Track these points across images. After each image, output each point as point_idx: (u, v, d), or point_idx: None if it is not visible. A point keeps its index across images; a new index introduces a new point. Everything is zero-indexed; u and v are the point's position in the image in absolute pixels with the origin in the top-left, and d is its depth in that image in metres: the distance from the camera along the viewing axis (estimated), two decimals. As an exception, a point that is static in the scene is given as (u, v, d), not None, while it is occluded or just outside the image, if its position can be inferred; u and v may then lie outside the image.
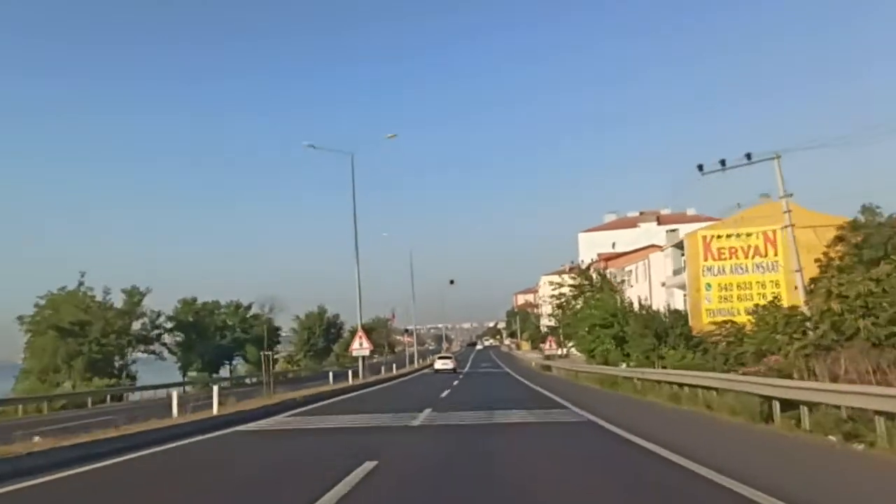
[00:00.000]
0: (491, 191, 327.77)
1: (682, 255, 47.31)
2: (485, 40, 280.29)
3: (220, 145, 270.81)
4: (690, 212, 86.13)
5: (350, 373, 33.93)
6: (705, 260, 43.35)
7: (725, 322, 30.59)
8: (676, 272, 47.05)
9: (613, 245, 78.01)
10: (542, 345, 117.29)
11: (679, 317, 38.61)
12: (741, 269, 43.21)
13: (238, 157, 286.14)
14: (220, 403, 17.46)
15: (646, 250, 66.65)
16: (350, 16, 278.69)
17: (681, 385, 17.81)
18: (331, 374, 33.69)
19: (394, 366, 47.31)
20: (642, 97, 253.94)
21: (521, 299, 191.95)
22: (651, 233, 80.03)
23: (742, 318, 42.91)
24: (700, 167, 25.73)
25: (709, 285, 43.17)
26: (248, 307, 60.02)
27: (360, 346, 35.18)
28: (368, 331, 37.52)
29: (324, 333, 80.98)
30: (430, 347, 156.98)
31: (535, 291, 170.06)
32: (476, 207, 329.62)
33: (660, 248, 65.03)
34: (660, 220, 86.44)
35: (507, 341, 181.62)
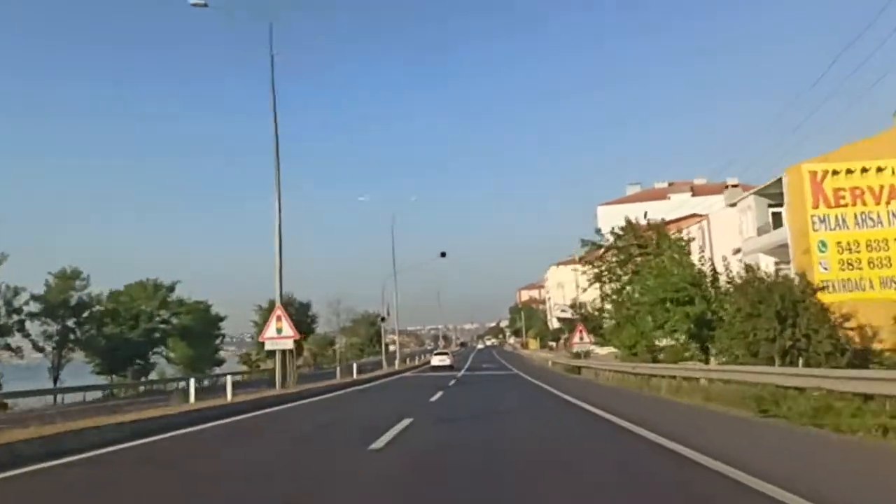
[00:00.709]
0: (492, 188, 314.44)
1: (770, 206, 33.12)
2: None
3: (222, 143, 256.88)
4: (731, 182, 72.06)
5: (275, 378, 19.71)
6: (816, 207, 29.03)
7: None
8: (762, 230, 32.81)
9: (645, 215, 63.37)
10: (552, 343, 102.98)
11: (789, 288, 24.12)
12: (871, 219, 28.81)
13: (239, 156, 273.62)
14: None
15: (689, 219, 52.52)
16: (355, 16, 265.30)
17: None
18: (191, 386, 18.98)
19: (354, 365, 33.11)
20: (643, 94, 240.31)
21: (525, 295, 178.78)
22: (687, 206, 65.94)
23: (877, 294, 28.71)
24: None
25: (823, 244, 28.91)
26: (172, 288, 45.23)
27: (279, 335, 21.01)
28: (293, 319, 23.38)
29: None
30: (429, 347, 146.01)
31: (541, 287, 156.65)
32: (476, 205, 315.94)
33: (701, 217, 50.90)
34: (694, 191, 72.31)
35: (511, 340, 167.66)
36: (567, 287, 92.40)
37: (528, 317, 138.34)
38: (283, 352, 21.58)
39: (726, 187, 48.37)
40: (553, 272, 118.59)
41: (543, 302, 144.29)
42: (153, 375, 47.54)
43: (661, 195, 73.19)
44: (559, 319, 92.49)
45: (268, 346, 21.29)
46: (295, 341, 79.16)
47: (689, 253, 27.27)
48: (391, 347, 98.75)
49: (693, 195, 70.59)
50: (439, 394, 20.41)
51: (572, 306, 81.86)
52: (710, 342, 25.68)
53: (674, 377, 18.62)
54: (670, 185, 76.84)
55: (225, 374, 25.28)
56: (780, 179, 30.62)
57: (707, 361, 26.19)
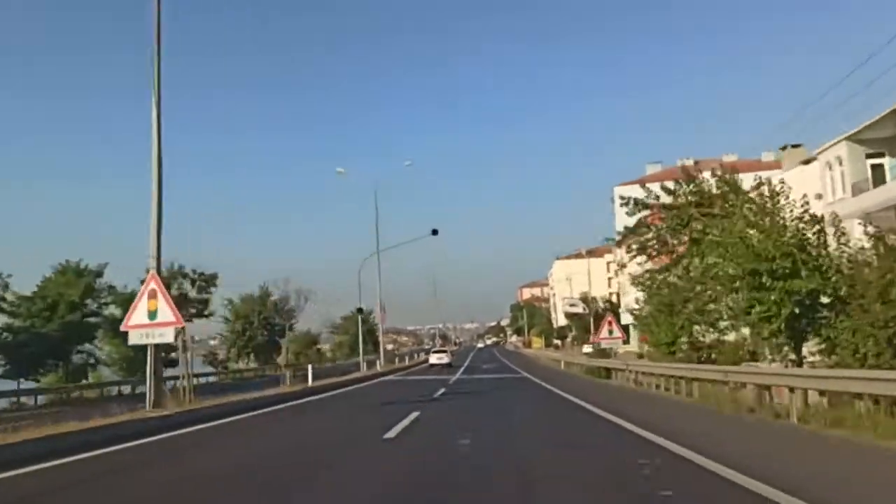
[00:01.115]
0: (492, 187, 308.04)
1: (870, 156, 24.97)
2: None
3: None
4: (767, 157, 64.05)
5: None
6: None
7: None
8: (858, 189, 24.59)
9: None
10: (557, 341, 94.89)
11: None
12: None
13: (240, 156, 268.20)
14: None
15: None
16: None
17: None
18: None
19: (310, 369, 24.77)
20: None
21: (527, 293, 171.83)
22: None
23: None
24: None
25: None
26: (100, 273, 36.80)
27: (152, 321, 12.80)
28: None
29: (265, 324, 58.93)
30: (427, 346, 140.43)
31: (544, 284, 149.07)
32: (476, 204, 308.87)
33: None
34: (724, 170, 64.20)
35: (512, 338, 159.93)
36: (575, 280, 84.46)
37: (531, 314, 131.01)
38: (158, 347, 13.33)
39: (785, 148, 40.19)
40: (559, 266, 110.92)
41: (547, 300, 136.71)
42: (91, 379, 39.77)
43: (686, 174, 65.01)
44: (567, 315, 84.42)
45: (133, 340, 13.06)
46: (275, 340, 66.91)
47: (775, 213, 19.00)
48: (389, 346, 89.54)
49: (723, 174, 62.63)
50: (412, 416, 12.29)
51: (583, 299, 73.95)
52: (811, 334, 17.45)
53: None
54: (696, 163, 68.49)
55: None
56: (889, 114, 22.47)
57: (800, 363, 18.03)
